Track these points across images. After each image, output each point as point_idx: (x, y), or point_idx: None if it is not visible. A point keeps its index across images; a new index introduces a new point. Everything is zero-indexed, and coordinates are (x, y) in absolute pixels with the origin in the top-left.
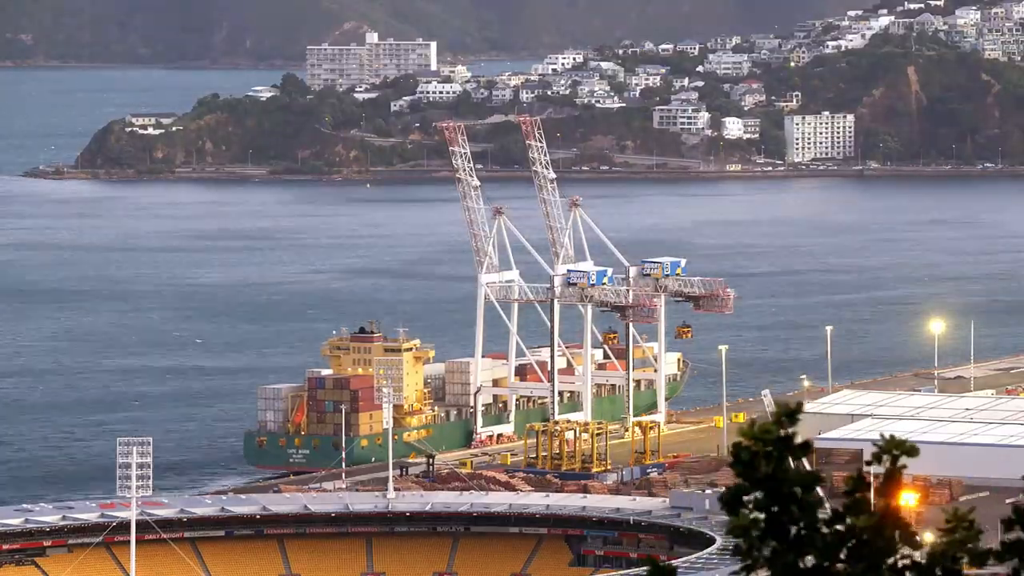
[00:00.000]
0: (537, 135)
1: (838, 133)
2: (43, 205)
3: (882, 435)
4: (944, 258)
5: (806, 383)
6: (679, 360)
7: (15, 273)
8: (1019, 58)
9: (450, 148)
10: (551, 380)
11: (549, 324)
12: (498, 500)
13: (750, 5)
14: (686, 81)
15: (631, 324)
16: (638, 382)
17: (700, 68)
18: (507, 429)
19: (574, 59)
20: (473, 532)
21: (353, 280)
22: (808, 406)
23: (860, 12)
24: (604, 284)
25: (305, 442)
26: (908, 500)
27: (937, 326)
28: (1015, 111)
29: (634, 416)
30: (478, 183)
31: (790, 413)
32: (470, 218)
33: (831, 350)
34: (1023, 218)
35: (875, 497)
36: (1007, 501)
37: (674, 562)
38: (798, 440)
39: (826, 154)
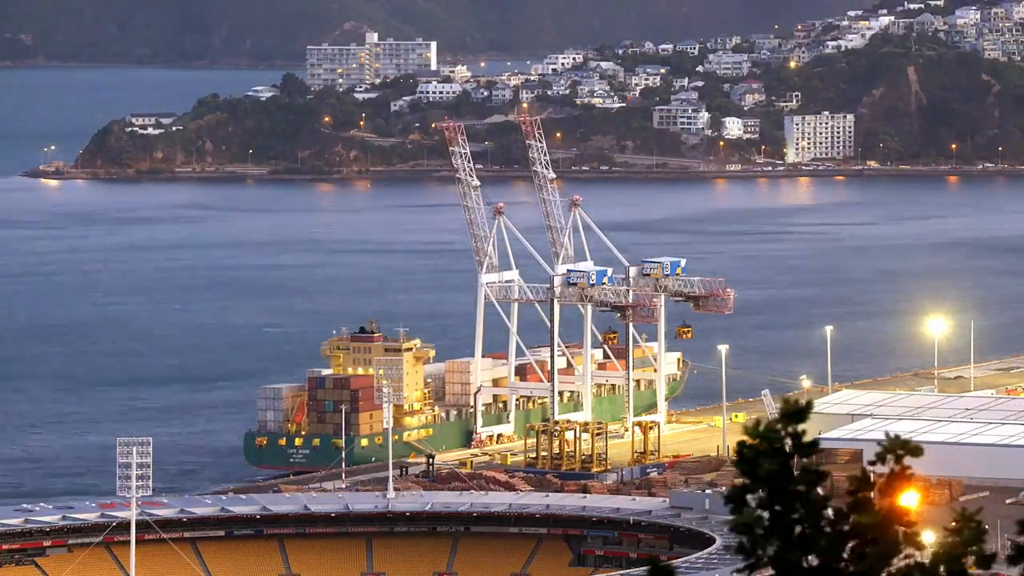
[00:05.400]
0: (537, 135)
1: (838, 133)
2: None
3: (887, 434)
4: (943, 257)
5: (806, 383)
6: (679, 360)
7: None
8: (1019, 58)
9: (450, 148)
10: (551, 380)
11: (549, 324)
12: (498, 500)
13: (750, 5)
14: (686, 81)
15: (631, 324)
16: (638, 382)
17: (700, 68)
18: (507, 429)
19: (574, 59)
20: (473, 532)
21: (353, 279)
22: None
23: (860, 12)
24: (604, 284)
25: (305, 442)
26: (909, 500)
27: (937, 326)
28: (1015, 111)
29: (634, 416)
30: (478, 183)
31: (797, 412)
32: (470, 218)
33: (831, 350)
34: (1022, 217)
35: (878, 497)
36: (1007, 501)
37: (674, 562)
38: (805, 439)
39: (826, 154)
